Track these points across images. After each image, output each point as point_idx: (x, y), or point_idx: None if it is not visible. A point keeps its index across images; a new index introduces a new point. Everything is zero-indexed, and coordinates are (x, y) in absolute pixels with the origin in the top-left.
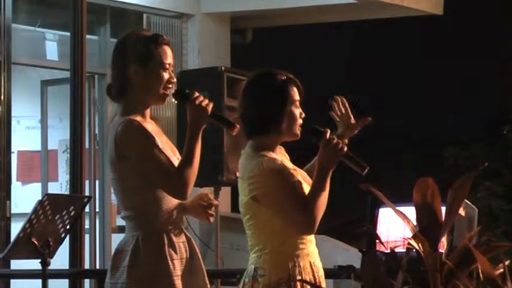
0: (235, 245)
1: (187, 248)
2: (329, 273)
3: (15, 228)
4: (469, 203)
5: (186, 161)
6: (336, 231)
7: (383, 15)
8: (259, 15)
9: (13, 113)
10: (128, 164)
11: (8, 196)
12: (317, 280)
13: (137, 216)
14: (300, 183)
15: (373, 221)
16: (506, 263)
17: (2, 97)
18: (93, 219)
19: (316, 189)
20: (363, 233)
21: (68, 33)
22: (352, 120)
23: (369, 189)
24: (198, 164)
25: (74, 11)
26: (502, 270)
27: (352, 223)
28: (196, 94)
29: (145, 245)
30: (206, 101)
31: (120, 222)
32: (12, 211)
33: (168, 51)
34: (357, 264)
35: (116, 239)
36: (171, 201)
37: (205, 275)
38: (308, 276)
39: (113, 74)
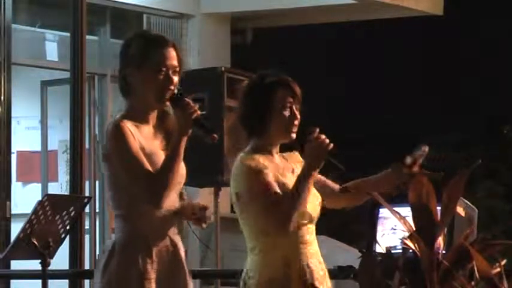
0: (235, 245)
1: (171, 253)
2: (329, 274)
3: (15, 228)
4: (469, 203)
5: (164, 168)
6: (336, 231)
7: (383, 15)
8: (259, 15)
9: (13, 113)
10: (113, 165)
11: (8, 196)
12: (309, 282)
13: (124, 216)
14: (283, 185)
15: (373, 221)
16: (503, 262)
17: (2, 97)
18: (93, 220)
19: (296, 190)
20: (362, 233)
21: (68, 34)
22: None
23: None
24: (176, 175)
25: (74, 11)
26: (498, 269)
27: (352, 223)
28: (187, 101)
29: (119, 248)
30: (192, 109)
31: None
32: (12, 211)
33: (169, 53)
34: (357, 265)
35: None
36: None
37: (188, 281)
38: (297, 279)
39: (118, 75)
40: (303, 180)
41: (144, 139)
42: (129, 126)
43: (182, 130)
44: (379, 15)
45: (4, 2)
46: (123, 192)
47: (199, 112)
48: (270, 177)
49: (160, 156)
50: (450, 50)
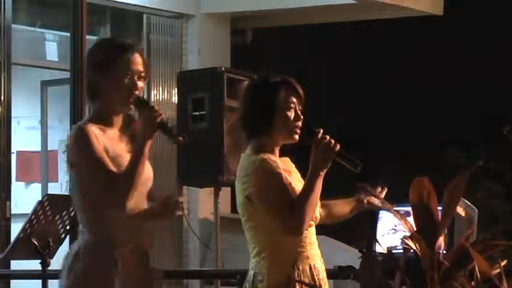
0: (235, 245)
1: (137, 256)
2: (329, 274)
3: (15, 228)
4: (469, 203)
5: (128, 170)
6: (336, 231)
7: (383, 16)
8: (259, 15)
9: (13, 113)
10: (77, 170)
11: (8, 196)
12: (317, 283)
13: (89, 220)
14: (290, 184)
15: (373, 221)
16: (503, 263)
17: (2, 97)
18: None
19: (306, 191)
20: (362, 233)
21: (68, 34)
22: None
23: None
24: (140, 176)
25: (74, 11)
26: (498, 270)
27: (352, 223)
28: (151, 105)
29: (84, 251)
30: (157, 113)
31: None
32: (12, 211)
33: (135, 59)
34: (357, 265)
35: None
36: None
37: (156, 283)
38: (307, 280)
39: (85, 79)
40: (311, 182)
41: (109, 142)
42: (93, 129)
43: (146, 133)
44: (379, 15)
45: (4, 2)
46: (89, 195)
47: (163, 116)
48: (284, 177)
49: (126, 159)
50: (450, 50)
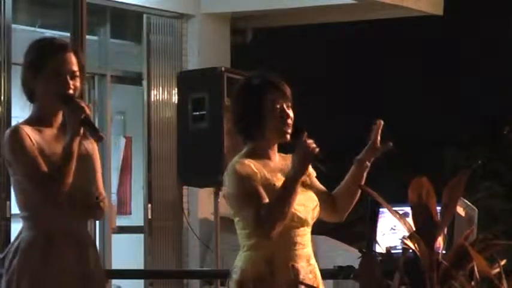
0: (235, 245)
1: (80, 254)
2: (329, 274)
3: (15, 228)
4: (469, 203)
5: (58, 168)
6: (335, 231)
7: (383, 15)
8: (259, 15)
9: (13, 113)
10: (12, 170)
11: (8, 196)
12: (295, 282)
13: (28, 217)
14: (270, 185)
15: (373, 221)
16: (502, 262)
17: (2, 97)
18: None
19: (280, 195)
20: (362, 233)
21: (68, 34)
22: (377, 145)
23: (366, 190)
24: (71, 171)
25: (74, 11)
26: (498, 270)
27: (352, 223)
28: (77, 101)
29: (23, 246)
30: (82, 109)
31: (120, 222)
32: (12, 211)
33: (67, 58)
34: (357, 265)
35: (116, 239)
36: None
37: (103, 281)
38: (282, 279)
39: (21, 79)
40: (288, 185)
41: (46, 142)
42: (27, 130)
43: (72, 130)
44: (379, 15)
45: (4, 2)
46: (26, 194)
47: (88, 112)
48: (257, 185)
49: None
50: (450, 50)
